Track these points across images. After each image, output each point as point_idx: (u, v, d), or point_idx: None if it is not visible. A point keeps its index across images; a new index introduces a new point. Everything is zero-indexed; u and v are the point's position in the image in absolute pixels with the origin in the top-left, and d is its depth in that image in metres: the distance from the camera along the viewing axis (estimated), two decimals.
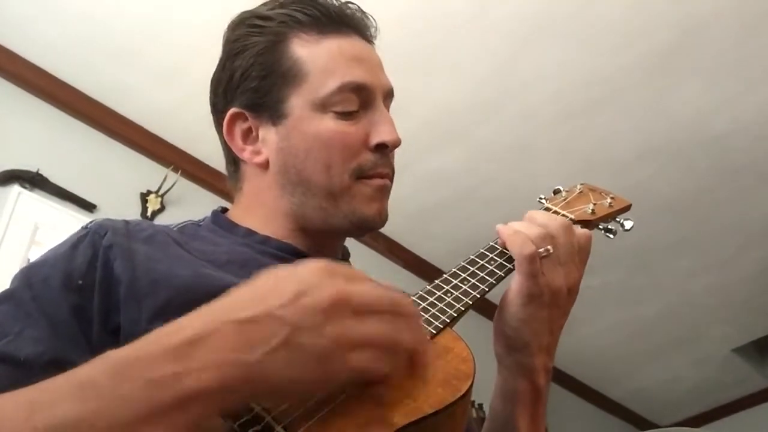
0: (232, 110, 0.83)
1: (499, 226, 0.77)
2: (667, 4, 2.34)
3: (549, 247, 0.73)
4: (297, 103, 0.80)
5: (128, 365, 0.47)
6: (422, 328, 0.58)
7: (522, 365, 0.75)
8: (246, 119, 0.83)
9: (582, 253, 0.77)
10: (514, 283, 0.73)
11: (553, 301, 0.73)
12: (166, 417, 0.46)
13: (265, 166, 0.82)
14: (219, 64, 0.87)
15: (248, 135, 0.83)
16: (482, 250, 0.76)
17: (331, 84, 0.79)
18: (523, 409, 0.76)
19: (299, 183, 0.80)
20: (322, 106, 0.79)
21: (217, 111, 0.86)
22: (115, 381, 0.46)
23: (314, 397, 0.54)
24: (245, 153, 0.83)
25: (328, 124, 0.79)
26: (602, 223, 0.84)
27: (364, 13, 0.87)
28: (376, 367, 0.52)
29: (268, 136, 0.82)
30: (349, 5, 0.86)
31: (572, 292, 0.76)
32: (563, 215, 0.82)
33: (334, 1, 0.85)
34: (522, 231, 0.74)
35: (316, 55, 0.81)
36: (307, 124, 0.80)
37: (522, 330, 0.73)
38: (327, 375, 0.50)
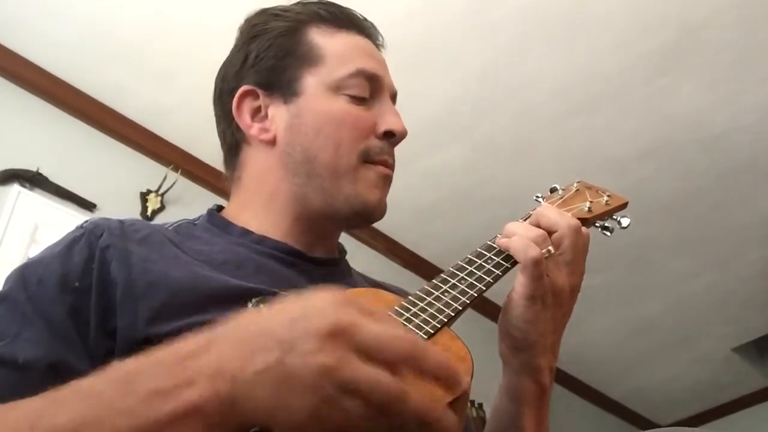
0: (244, 87, 0.84)
1: (501, 239, 0.76)
2: (667, 3, 2.34)
3: (550, 248, 0.72)
4: (311, 82, 0.82)
5: (132, 378, 0.47)
6: (445, 389, 0.48)
7: (528, 365, 0.75)
8: (257, 97, 0.84)
9: (584, 252, 0.77)
10: (518, 284, 0.72)
11: (556, 300, 0.74)
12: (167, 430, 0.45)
13: (271, 143, 0.83)
14: (232, 51, 0.89)
15: (257, 113, 0.84)
16: (480, 250, 0.76)
17: (347, 68, 0.82)
18: (529, 408, 0.76)
19: (304, 161, 0.81)
20: (336, 87, 0.82)
21: (225, 94, 0.87)
22: (118, 393, 0.46)
23: None
24: (253, 129, 0.84)
25: (341, 104, 0.81)
26: (599, 221, 0.84)
27: (375, 27, 0.91)
28: (368, 422, 0.44)
29: (278, 113, 0.83)
30: (366, 19, 0.90)
31: (574, 290, 0.76)
32: None
33: (351, 9, 0.89)
34: (522, 234, 0.73)
35: (333, 44, 0.84)
36: (320, 103, 0.81)
37: (527, 331, 0.73)
38: (313, 411, 0.43)
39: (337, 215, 0.82)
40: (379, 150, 0.82)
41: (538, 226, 0.76)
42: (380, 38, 0.91)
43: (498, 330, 0.76)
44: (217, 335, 0.48)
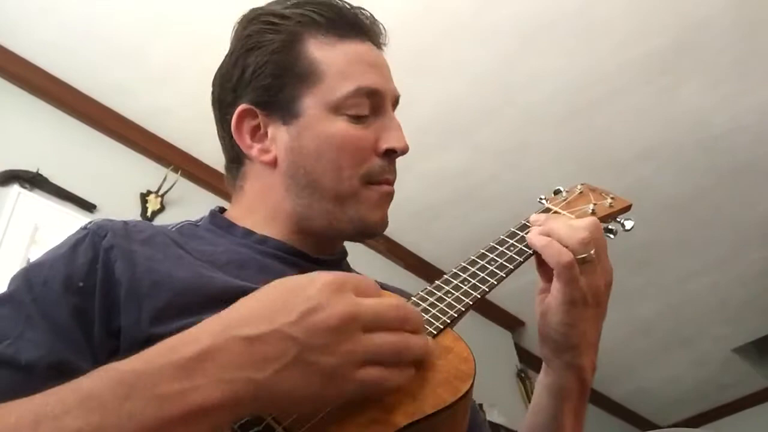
0: (242, 106, 0.82)
1: (533, 236, 0.75)
2: (668, 4, 2.34)
3: (592, 251, 0.72)
4: (310, 103, 0.80)
5: (134, 380, 0.47)
6: (424, 332, 0.59)
7: (571, 365, 0.76)
8: (255, 116, 0.82)
9: (606, 245, 0.78)
10: (555, 290, 0.72)
11: (595, 300, 0.74)
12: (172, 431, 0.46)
13: (272, 164, 0.82)
14: (228, 59, 0.86)
15: (256, 132, 0.83)
16: (483, 251, 0.77)
17: (347, 87, 0.80)
18: (570, 404, 0.78)
19: (307, 185, 0.80)
20: (336, 108, 0.79)
21: (223, 106, 0.85)
22: (121, 395, 0.46)
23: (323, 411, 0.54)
24: (253, 150, 0.83)
25: (341, 126, 0.79)
26: (602, 224, 0.84)
27: (375, 20, 0.87)
28: (386, 379, 0.53)
29: (278, 134, 0.82)
30: (363, 11, 0.86)
31: (608, 286, 0.77)
32: (563, 216, 0.82)
33: (348, 7, 0.85)
34: (563, 237, 0.73)
35: (332, 58, 0.81)
36: (319, 125, 0.80)
37: (570, 334, 0.74)
38: (336, 391, 0.51)
39: (339, 234, 0.83)
40: (380, 170, 0.81)
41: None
42: (382, 35, 0.88)
43: (538, 334, 0.77)
44: (223, 333, 0.49)
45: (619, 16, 2.36)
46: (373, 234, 0.83)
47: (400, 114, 0.86)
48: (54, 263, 0.69)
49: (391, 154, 0.82)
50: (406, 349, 0.54)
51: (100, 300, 0.66)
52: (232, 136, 0.84)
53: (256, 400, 0.48)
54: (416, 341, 0.55)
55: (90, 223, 0.75)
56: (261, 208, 0.84)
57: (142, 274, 0.68)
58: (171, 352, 0.49)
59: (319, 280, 0.53)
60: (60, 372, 0.49)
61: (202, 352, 0.48)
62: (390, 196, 0.83)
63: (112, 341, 0.64)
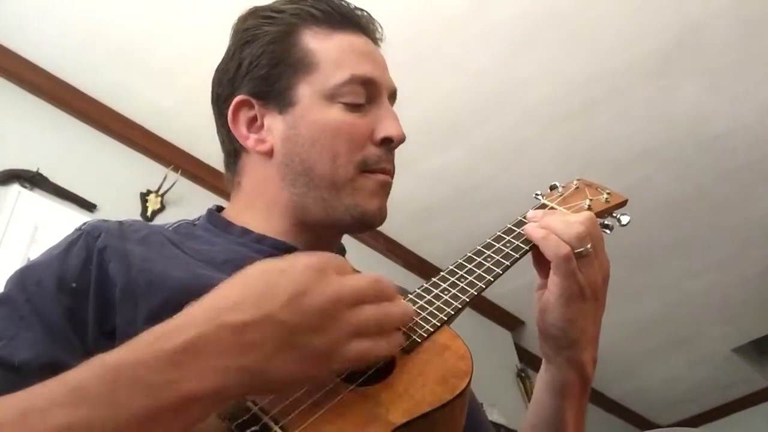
0: (239, 97, 0.83)
1: (531, 228, 0.76)
2: (667, 4, 2.34)
3: (588, 246, 0.73)
4: (306, 91, 0.80)
5: (122, 370, 0.47)
6: (400, 300, 0.60)
7: (572, 361, 0.76)
8: (252, 107, 0.83)
9: (602, 239, 0.78)
10: (553, 285, 0.72)
11: (593, 294, 0.74)
12: (162, 421, 0.46)
13: (269, 154, 0.82)
14: (226, 55, 0.87)
15: (253, 123, 0.83)
16: (479, 247, 0.77)
17: (341, 75, 0.80)
18: (572, 400, 0.78)
19: (302, 172, 0.80)
20: (331, 96, 0.80)
21: (221, 101, 0.86)
22: (108, 387, 0.46)
23: (319, 391, 0.56)
24: (249, 141, 0.83)
25: (336, 114, 0.80)
26: (599, 219, 0.84)
27: (372, 19, 0.88)
28: (374, 350, 0.54)
29: (274, 124, 0.82)
30: (360, 10, 0.87)
31: (605, 280, 0.77)
32: (559, 211, 0.82)
33: (345, 4, 0.86)
34: (559, 232, 0.73)
35: (327, 48, 0.82)
36: (315, 112, 0.80)
37: (569, 329, 0.74)
38: (329, 368, 0.52)
39: (337, 224, 0.82)
40: (377, 158, 0.81)
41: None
42: (378, 32, 0.88)
43: (538, 331, 0.77)
44: (210, 322, 0.49)
45: (619, 16, 2.36)
46: (370, 224, 0.82)
47: (399, 113, 0.86)
48: (48, 264, 0.69)
49: (387, 143, 0.81)
50: (387, 317, 0.56)
51: (94, 301, 0.66)
52: (229, 130, 0.84)
53: (250, 387, 0.49)
54: (394, 309, 0.57)
55: (85, 224, 0.75)
56: (258, 202, 0.84)
57: (138, 274, 0.68)
58: (157, 341, 0.48)
59: (300, 262, 0.54)
60: (53, 372, 0.49)
61: (190, 342, 0.48)
62: (387, 185, 0.82)
63: (107, 341, 0.64)
